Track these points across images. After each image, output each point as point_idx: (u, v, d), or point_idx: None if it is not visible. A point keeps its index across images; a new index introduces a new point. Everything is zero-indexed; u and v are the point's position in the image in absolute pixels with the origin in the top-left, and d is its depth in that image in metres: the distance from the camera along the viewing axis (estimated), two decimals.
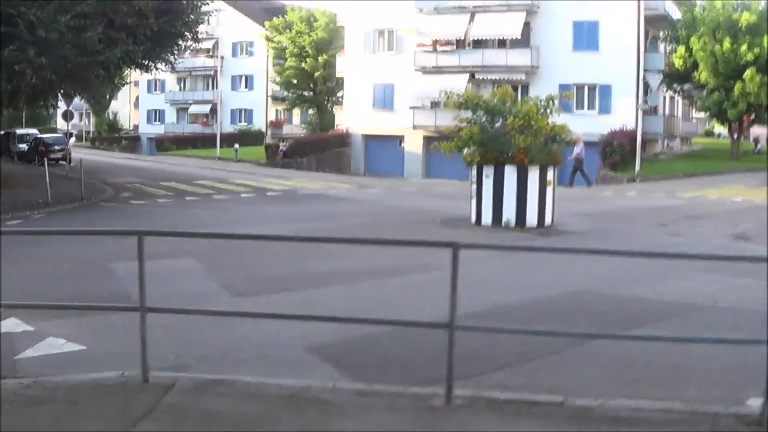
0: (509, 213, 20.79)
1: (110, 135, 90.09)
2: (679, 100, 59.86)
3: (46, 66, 25.73)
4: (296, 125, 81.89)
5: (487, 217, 21.11)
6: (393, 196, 31.85)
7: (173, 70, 36.37)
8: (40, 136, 54.88)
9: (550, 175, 21.25)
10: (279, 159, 54.74)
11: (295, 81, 67.89)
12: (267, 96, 79.75)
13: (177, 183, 35.99)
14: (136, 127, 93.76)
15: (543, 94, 22.95)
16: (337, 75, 60.14)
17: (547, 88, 45.48)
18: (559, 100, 23.61)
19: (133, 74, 62.58)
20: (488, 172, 21.01)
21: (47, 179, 27.07)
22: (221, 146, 66.83)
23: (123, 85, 40.92)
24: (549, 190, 21.18)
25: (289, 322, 9.41)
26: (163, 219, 23.76)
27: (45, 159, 31.44)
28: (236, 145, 62.31)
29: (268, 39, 70.48)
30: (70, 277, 13.51)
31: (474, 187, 21.52)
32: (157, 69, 34.39)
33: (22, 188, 30.16)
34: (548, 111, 21.76)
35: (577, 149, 35.69)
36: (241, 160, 58.61)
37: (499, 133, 21.18)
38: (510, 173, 20.76)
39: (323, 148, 55.50)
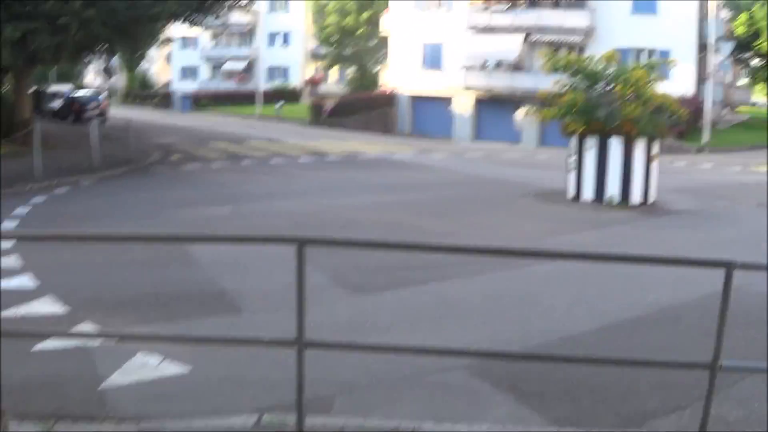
0: (613, 189, 18.72)
1: (142, 92, 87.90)
2: (730, 68, 57.23)
3: (95, 19, 23.94)
4: (333, 84, 79.83)
5: (587, 192, 19.03)
6: (464, 163, 29.55)
7: (223, 25, 34.72)
8: (73, 94, 52.88)
9: (655, 148, 19.16)
10: (324, 117, 52.62)
11: (336, 38, 64.92)
12: (305, 53, 77.58)
13: (227, 144, 33.93)
14: (166, 84, 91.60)
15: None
16: (382, 33, 57.55)
17: (604, 51, 43.47)
18: (661, 67, 21.55)
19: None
20: (591, 143, 18.88)
21: (98, 140, 24.72)
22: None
23: (167, 42, 38.41)
24: (654, 164, 19.08)
25: (434, 332, 7.73)
26: (227, 188, 21.53)
27: (96, 118, 29.49)
28: (279, 103, 60.13)
29: None
30: (143, 266, 11.41)
31: (573, 158, 19.34)
32: (204, 24, 32.76)
33: (64, 149, 28.32)
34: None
35: None
36: (283, 118, 56.55)
37: (606, 101, 19.00)
38: (616, 145, 18.66)
39: (369, 108, 53.39)
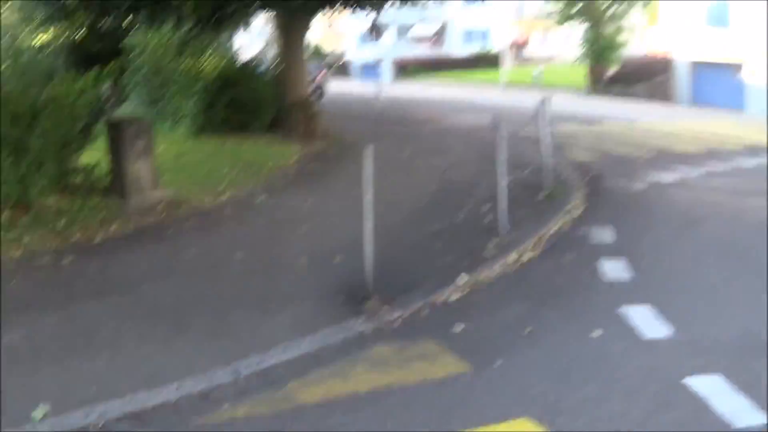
0: None
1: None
2: None
3: None
4: (537, 46, 72.56)
5: None
6: None
7: None
8: None
9: None
10: (602, 86, 44.80)
11: None
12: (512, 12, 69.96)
13: (582, 127, 24.96)
14: (336, 51, 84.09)
15: None
16: None
17: None
18: None
19: None
20: None
21: (550, 149, 14.38)
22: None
23: None
24: None
25: None
26: None
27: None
28: (538, 69, 51.54)
29: None
30: None
31: None
32: None
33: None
34: None
35: None
36: (545, 86, 48.01)
37: None
38: None
39: (649, 75, 45.82)
